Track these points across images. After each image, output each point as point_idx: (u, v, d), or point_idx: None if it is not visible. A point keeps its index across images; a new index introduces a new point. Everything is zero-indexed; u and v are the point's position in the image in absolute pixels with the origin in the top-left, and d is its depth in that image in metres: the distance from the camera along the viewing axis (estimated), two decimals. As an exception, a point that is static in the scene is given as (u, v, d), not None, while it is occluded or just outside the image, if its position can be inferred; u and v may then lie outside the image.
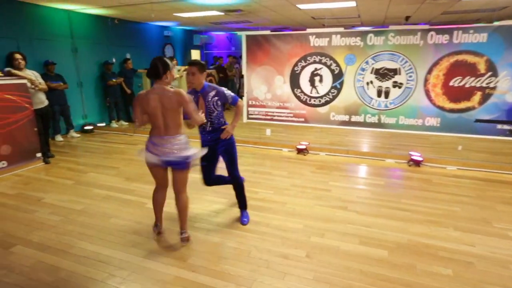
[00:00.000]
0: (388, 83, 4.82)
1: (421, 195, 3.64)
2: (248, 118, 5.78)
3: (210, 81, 9.34)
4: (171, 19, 8.33)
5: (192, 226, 2.95)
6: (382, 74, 4.82)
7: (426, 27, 4.46)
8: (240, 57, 9.60)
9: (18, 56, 4.54)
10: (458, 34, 4.31)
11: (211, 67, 10.09)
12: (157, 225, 2.82)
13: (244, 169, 4.53)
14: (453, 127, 4.61)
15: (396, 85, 4.79)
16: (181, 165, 2.51)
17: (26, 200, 3.53)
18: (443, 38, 4.39)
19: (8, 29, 5.60)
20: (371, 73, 4.86)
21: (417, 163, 4.65)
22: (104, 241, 2.71)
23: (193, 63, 2.75)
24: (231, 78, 9.83)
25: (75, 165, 4.75)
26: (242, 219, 3.04)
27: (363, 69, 4.89)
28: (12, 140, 4.34)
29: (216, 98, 2.81)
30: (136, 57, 8.26)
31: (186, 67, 8.46)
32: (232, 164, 2.96)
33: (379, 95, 4.90)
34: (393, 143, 5.71)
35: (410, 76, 4.68)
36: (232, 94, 2.88)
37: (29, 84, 4.53)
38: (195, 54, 11.38)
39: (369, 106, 4.98)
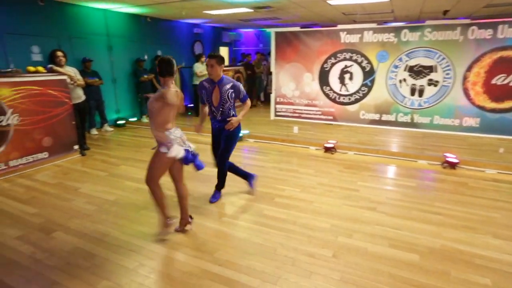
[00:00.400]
0: (422, 81, 4.61)
1: (456, 199, 3.46)
2: (276, 116, 5.77)
3: (238, 78, 9.40)
4: (201, 17, 8.46)
5: (218, 222, 3.00)
6: (417, 71, 4.62)
7: (467, 21, 4.21)
8: (268, 54, 9.60)
9: (59, 53, 4.81)
10: (503, 28, 4.03)
11: (239, 64, 10.16)
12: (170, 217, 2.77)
13: (270, 166, 4.55)
14: (494, 128, 4.34)
15: (432, 83, 4.58)
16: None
17: (65, 189, 3.75)
18: (486, 33, 4.13)
19: (51, 29, 5.94)
20: (405, 70, 4.68)
21: (453, 165, 4.43)
22: (135, 231, 2.82)
23: (212, 56, 3.03)
24: (258, 75, 9.84)
25: (108, 157, 4.97)
26: (213, 198, 3.39)
27: (396, 66, 4.72)
28: (53, 132, 4.62)
29: (231, 91, 3.11)
30: (166, 54, 8.47)
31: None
32: (225, 151, 3.23)
33: (412, 93, 4.71)
34: (426, 144, 5.48)
35: (448, 74, 4.45)
36: (245, 92, 3.20)
37: (68, 80, 4.79)
38: (224, 51, 11.50)
39: (402, 105, 4.80)
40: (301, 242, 2.64)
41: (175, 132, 2.55)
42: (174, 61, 2.52)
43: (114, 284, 2.17)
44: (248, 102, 3.25)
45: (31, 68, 4.61)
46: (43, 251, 2.53)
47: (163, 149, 2.52)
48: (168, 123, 2.52)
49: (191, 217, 2.88)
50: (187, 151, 2.60)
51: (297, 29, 5.27)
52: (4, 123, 4.05)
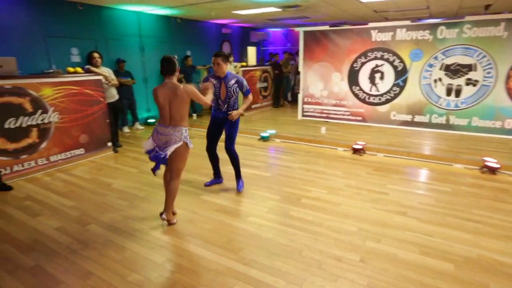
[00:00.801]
0: (460, 81, 4.38)
1: (496, 206, 3.25)
2: (303, 116, 5.71)
3: (265, 77, 9.42)
4: (229, 17, 8.55)
5: (244, 221, 3.03)
6: (454, 70, 4.39)
7: (513, 16, 3.95)
8: (296, 53, 9.53)
9: (96, 55, 5.06)
10: (552, 23, 3.74)
11: (267, 63, 10.16)
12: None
13: (297, 166, 4.51)
14: (540, 131, 4.04)
15: (470, 82, 4.33)
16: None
17: (99, 184, 3.94)
18: (534, 29, 3.85)
19: (89, 31, 6.27)
20: (441, 69, 4.46)
21: (493, 171, 4.17)
22: (163, 227, 2.91)
23: (217, 54, 3.29)
24: (286, 74, 9.79)
25: (139, 154, 5.16)
26: (238, 187, 3.65)
27: (430, 65, 4.51)
28: (89, 130, 4.87)
29: (236, 85, 3.40)
30: (195, 54, 8.67)
31: (242, 63, 8.60)
32: (230, 138, 3.55)
33: (448, 93, 4.48)
34: (463, 147, 5.19)
35: (488, 73, 4.19)
36: (248, 87, 3.47)
37: (103, 80, 5.02)
38: (252, 51, 11.55)
39: (436, 106, 4.58)
40: (328, 245, 2.60)
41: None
42: (174, 60, 2.83)
43: (143, 277, 2.25)
44: (250, 96, 3.50)
45: (70, 69, 4.90)
46: (79, 242, 2.68)
47: (190, 144, 2.85)
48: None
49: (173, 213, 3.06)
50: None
51: (326, 28, 5.19)
52: (46, 121, 4.32)
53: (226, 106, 3.45)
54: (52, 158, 4.45)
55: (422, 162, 4.64)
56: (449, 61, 4.40)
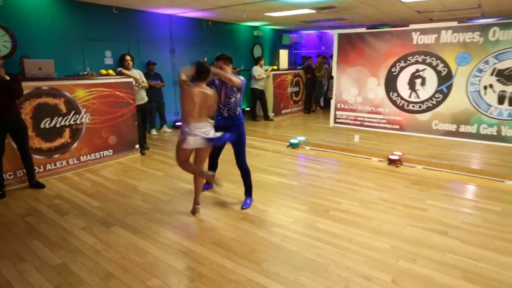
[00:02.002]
0: (514, 88, 4.10)
1: (554, 231, 2.98)
2: (335, 123, 5.62)
3: (297, 82, 9.38)
4: (261, 19, 8.65)
5: (268, 231, 3.01)
6: (507, 76, 4.12)
7: None
8: (331, 57, 9.42)
9: (128, 57, 5.32)
10: None
11: (299, 67, 10.13)
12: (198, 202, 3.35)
13: (327, 176, 4.43)
14: None
15: (527, 90, 4.04)
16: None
17: (125, 186, 4.11)
18: None
19: (122, 34, 6.61)
20: (492, 75, 4.21)
21: (551, 190, 3.83)
22: (186, 233, 2.96)
23: (219, 58, 3.26)
24: (319, 79, 9.70)
25: (165, 158, 5.33)
26: (244, 204, 3.49)
27: (480, 70, 4.27)
28: (117, 132, 5.11)
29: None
30: (226, 58, 8.83)
31: (274, 66, 8.63)
32: (239, 152, 3.40)
33: (501, 101, 4.20)
34: (517, 162, 4.83)
35: (548, 79, 3.89)
36: (242, 77, 3.30)
37: (134, 82, 5.26)
38: (284, 54, 11.59)
39: (486, 115, 4.31)
40: (357, 262, 2.51)
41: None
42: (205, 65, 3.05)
43: (163, 283, 2.30)
44: (234, 78, 3.21)
45: (103, 71, 5.18)
46: (102, 243, 2.80)
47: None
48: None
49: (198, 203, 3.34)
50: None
51: (363, 30, 5.09)
52: (78, 121, 4.60)
53: (226, 109, 3.34)
54: (82, 158, 4.71)
55: (468, 177, 4.37)
56: (502, 65, 4.14)
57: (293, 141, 5.96)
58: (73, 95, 4.50)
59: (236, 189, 3.96)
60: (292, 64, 11.36)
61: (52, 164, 4.40)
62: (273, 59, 11.00)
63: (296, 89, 9.38)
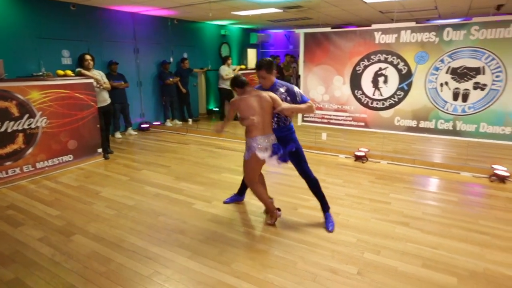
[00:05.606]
0: (467, 85, 4.39)
1: (505, 217, 3.24)
2: (303, 121, 5.74)
3: (265, 81, 9.46)
4: (228, 18, 8.65)
5: (237, 231, 3.02)
6: (461, 74, 4.41)
7: (524, 16, 3.98)
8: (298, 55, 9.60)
9: (88, 57, 5.12)
10: None
11: (267, 66, 10.21)
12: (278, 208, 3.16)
13: (295, 174, 4.47)
14: (553, 138, 4.04)
15: (478, 86, 4.34)
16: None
17: (86, 192, 3.96)
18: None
19: (81, 32, 6.36)
20: (447, 73, 4.48)
21: (502, 179, 4.16)
22: (152, 238, 2.91)
23: (259, 67, 2.87)
24: (287, 78, 9.85)
25: (131, 161, 5.19)
26: (327, 224, 3.05)
27: (436, 69, 4.53)
28: (78, 135, 4.91)
29: (286, 94, 2.92)
30: (192, 57, 8.76)
31: (241, 66, 8.66)
32: (301, 163, 3.04)
33: (455, 98, 4.49)
34: (471, 154, 5.18)
35: (498, 76, 4.21)
36: (302, 93, 2.99)
37: (95, 83, 5.08)
38: (252, 53, 11.65)
39: (442, 111, 4.59)
40: (324, 257, 2.59)
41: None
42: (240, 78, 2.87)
43: (128, 290, 2.25)
44: (310, 103, 2.92)
45: (61, 72, 4.95)
46: (62, 254, 2.68)
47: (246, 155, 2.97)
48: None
49: (279, 209, 3.15)
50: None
51: (328, 29, 5.24)
52: (33, 126, 4.37)
53: (276, 120, 2.96)
54: (39, 165, 4.48)
55: (428, 170, 4.64)
56: (456, 64, 4.42)
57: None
58: (26, 97, 4.26)
59: (203, 191, 3.94)
60: (271, 61, 11.44)
61: (4, 172, 4.14)
62: (241, 59, 11.04)
63: (265, 88, 9.46)
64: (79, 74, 4.99)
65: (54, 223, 3.20)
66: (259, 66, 2.86)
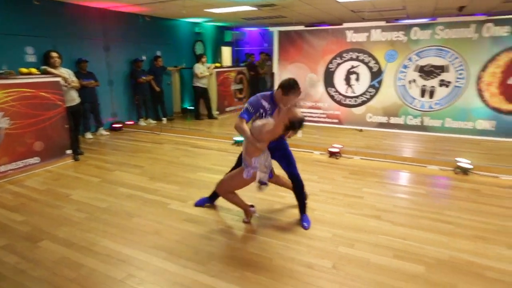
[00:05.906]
0: (433, 82, 4.59)
1: (468, 207, 3.42)
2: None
3: (241, 79, 9.45)
4: (202, 15, 8.54)
5: (213, 230, 3.01)
6: (427, 71, 4.60)
7: (482, 17, 4.19)
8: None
9: (54, 54, 4.89)
10: (521, 25, 4.01)
11: (242, 64, 10.21)
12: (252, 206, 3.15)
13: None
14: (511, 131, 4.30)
15: (443, 83, 4.55)
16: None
17: (55, 196, 3.79)
18: (503, 30, 4.11)
19: (46, 28, 6.06)
20: (415, 70, 4.66)
21: (465, 171, 4.38)
22: (126, 240, 2.84)
23: (287, 90, 2.71)
24: (262, 75, 9.87)
25: (102, 162, 5.02)
26: (303, 223, 3.07)
27: (405, 67, 4.70)
28: (45, 136, 4.69)
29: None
30: (166, 54, 8.58)
31: (216, 64, 8.58)
32: (289, 165, 3.11)
33: (422, 95, 4.68)
34: (437, 148, 5.43)
35: (460, 74, 4.43)
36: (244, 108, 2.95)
37: (62, 82, 4.86)
38: (226, 51, 11.58)
39: (411, 107, 4.77)
40: (300, 252, 2.63)
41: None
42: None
43: (100, 295, 2.18)
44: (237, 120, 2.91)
45: (24, 70, 4.70)
46: (28, 261, 2.55)
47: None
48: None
49: (252, 206, 3.14)
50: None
51: (302, 28, 5.30)
52: (-6, 127, 4.13)
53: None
54: (1, 169, 4.24)
55: (398, 164, 4.81)
56: (422, 62, 4.60)
57: (238, 138, 6.00)
58: (-14, 97, 4.02)
59: (179, 191, 3.89)
60: (236, 61, 11.42)
61: (-36, 176, 3.90)
62: (216, 56, 10.95)
63: (240, 86, 9.45)
64: (45, 72, 4.76)
65: (19, 229, 3.04)
66: (288, 90, 2.72)
